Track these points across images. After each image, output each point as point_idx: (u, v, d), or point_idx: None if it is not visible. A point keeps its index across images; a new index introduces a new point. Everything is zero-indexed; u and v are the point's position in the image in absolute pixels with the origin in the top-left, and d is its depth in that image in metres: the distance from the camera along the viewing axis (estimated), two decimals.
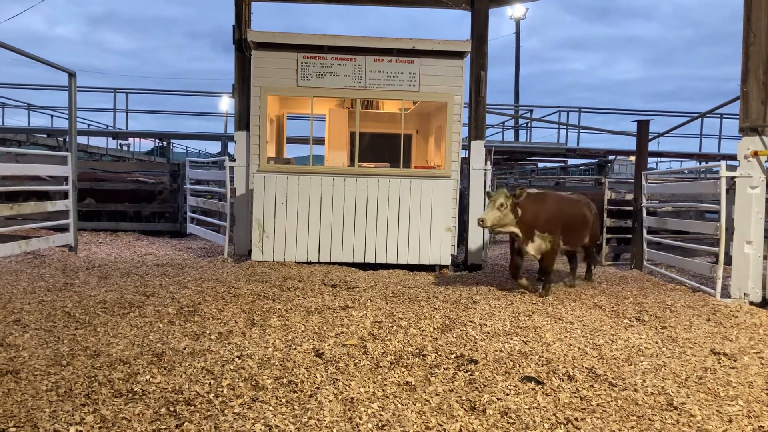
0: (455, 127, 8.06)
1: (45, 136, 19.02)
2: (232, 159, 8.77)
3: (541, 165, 23.96)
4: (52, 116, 20.82)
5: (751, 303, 6.10)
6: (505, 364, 3.88)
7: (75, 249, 8.36)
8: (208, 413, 3.00)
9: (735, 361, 4.15)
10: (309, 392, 3.31)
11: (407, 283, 6.77)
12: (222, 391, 3.26)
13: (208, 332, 4.45)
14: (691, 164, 20.83)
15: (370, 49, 7.90)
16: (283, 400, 3.19)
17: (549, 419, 3.05)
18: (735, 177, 6.34)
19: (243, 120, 8.69)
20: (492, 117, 19.52)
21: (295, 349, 4.09)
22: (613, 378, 3.69)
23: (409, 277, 7.36)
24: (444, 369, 3.77)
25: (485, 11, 8.66)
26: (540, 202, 6.39)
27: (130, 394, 3.21)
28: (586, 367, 3.86)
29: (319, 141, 11.71)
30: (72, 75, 8.08)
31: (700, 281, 7.18)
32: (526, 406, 3.20)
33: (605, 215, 9.29)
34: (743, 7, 6.34)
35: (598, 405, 3.26)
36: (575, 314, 5.43)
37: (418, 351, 4.12)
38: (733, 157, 8.04)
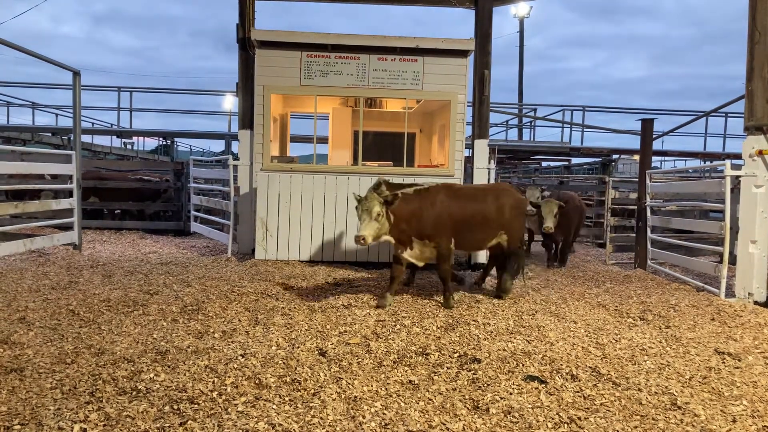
0: (459, 126, 8.05)
1: (50, 134, 19.06)
2: (236, 158, 8.78)
3: (544, 164, 23.89)
4: (56, 115, 20.88)
5: (756, 303, 6.08)
6: (509, 363, 3.88)
7: (79, 247, 8.39)
8: (212, 411, 3.00)
9: (739, 360, 4.14)
10: (312, 391, 3.32)
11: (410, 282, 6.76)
12: (225, 390, 3.27)
13: (211, 330, 4.46)
14: (696, 163, 20.75)
15: (373, 47, 7.89)
16: (287, 399, 3.20)
17: (552, 418, 3.05)
18: (740, 176, 6.32)
19: (247, 119, 8.70)
20: (495, 116, 19.48)
21: (298, 347, 4.10)
22: (616, 377, 3.69)
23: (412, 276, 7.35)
24: (447, 368, 3.77)
25: (489, 9, 8.64)
26: (414, 203, 5.48)
27: (134, 392, 3.22)
28: (590, 367, 3.86)
29: (323, 140, 11.71)
30: (76, 74, 8.10)
31: (705, 281, 7.16)
32: (530, 406, 3.20)
33: (609, 215, 9.29)
34: (748, 6, 6.31)
35: (601, 404, 3.26)
36: (579, 313, 5.42)
37: (421, 350, 4.12)
38: (738, 156, 8.02)
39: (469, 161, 9.24)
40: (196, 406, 3.06)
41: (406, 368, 3.75)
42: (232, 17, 8.86)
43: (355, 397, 3.24)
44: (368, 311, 5.18)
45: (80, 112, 8.35)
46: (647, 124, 8.85)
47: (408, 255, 5.64)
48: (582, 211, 9.31)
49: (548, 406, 3.20)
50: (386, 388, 3.39)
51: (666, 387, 3.54)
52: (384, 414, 3.04)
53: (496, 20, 8.70)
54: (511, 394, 3.36)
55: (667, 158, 22.12)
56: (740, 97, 7.35)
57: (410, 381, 3.53)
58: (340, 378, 3.52)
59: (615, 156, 19.00)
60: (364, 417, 2.99)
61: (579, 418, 3.06)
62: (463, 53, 7.98)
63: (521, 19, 27.38)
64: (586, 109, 19.40)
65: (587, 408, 3.21)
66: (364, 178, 7.83)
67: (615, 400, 3.32)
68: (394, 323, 4.80)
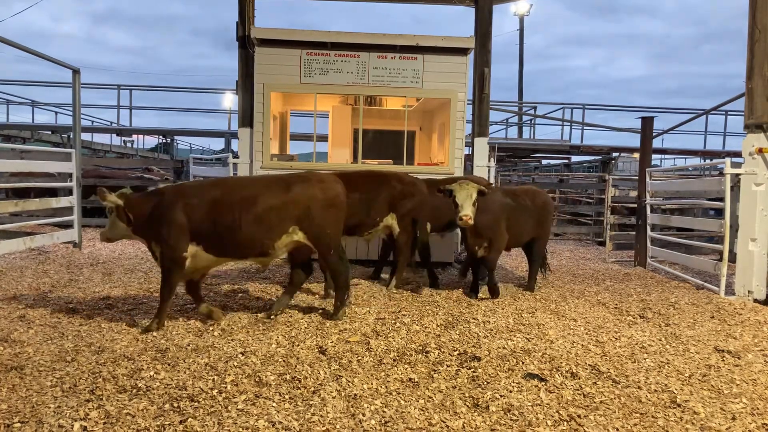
0: (459, 124, 8.04)
1: (49, 132, 19.04)
2: (236, 156, 8.77)
3: (544, 162, 23.90)
4: (56, 113, 20.86)
5: (756, 300, 6.08)
6: (508, 361, 3.88)
7: (79, 245, 8.39)
8: (212, 409, 3.01)
9: (739, 358, 4.14)
10: (312, 389, 3.32)
11: (410, 281, 6.77)
12: (225, 388, 3.27)
13: (211, 328, 4.46)
14: (696, 161, 20.75)
15: (373, 45, 7.88)
16: (287, 397, 3.20)
17: (552, 416, 3.05)
18: (740, 174, 6.32)
19: (246, 117, 8.68)
20: (495, 114, 19.49)
21: (298, 345, 4.10)
22: (616, 375, 3.69)
23: (411, 274, 7.35)
24: (447, 366, 3.78)
25: (489, 8, 8.63)
26: (151, 201, 4.50)
27: (134, 390, 3.22)
28: (590, 365, 3.86)
29: (323, 138, 11.71)
30: (76, 72, 8.10)
31: (704, 279, 7.16)
32: (529, 403, 3.20)
33: (609, 213, 9.29)
34: (748, 5, 6.30)
35: (601, 402, 3.26)
36: (579, 311, 5.42)
37: (421, 348, 4.12)
38: (738, 154, 8.01)
39: (469, 159, 9.23)
40: (196, 403, 3.07)
41: (406, 366, 3.76)
42: (232, 15, 8.85)
43: (355, 395, 3.25)
44: (368, 309, 5.18)
45: (80, 110, 8.35)
46: (647, 122, 8.84)
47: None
48: (539, 212, 6.22)
49: (548, 404, 3.21)
50: (386, 386, 3.39)
51: (666, 385, 3.54)
52: (384, 412, 3.04)
53: (495, 18, 8.69)
54: (510, 391, 3.37)
55: (667, 156, 22.11)
56: (740, 95, 7.34)
57: (410, 379, 3.53)
58: (339, 376, 3.52)
59: (615, 154, 18.97)
60: (364, 415, 2.99)
61: (579, 416, 3.06)
62: (463, 51, 7.97)
63: (521, 17, 27.34)
64: (586, 107, 19.40)
65: (587, 406, 3.22)
66: None
67: (615, 398, 3.32)
68: (393, 321, 4.80)
